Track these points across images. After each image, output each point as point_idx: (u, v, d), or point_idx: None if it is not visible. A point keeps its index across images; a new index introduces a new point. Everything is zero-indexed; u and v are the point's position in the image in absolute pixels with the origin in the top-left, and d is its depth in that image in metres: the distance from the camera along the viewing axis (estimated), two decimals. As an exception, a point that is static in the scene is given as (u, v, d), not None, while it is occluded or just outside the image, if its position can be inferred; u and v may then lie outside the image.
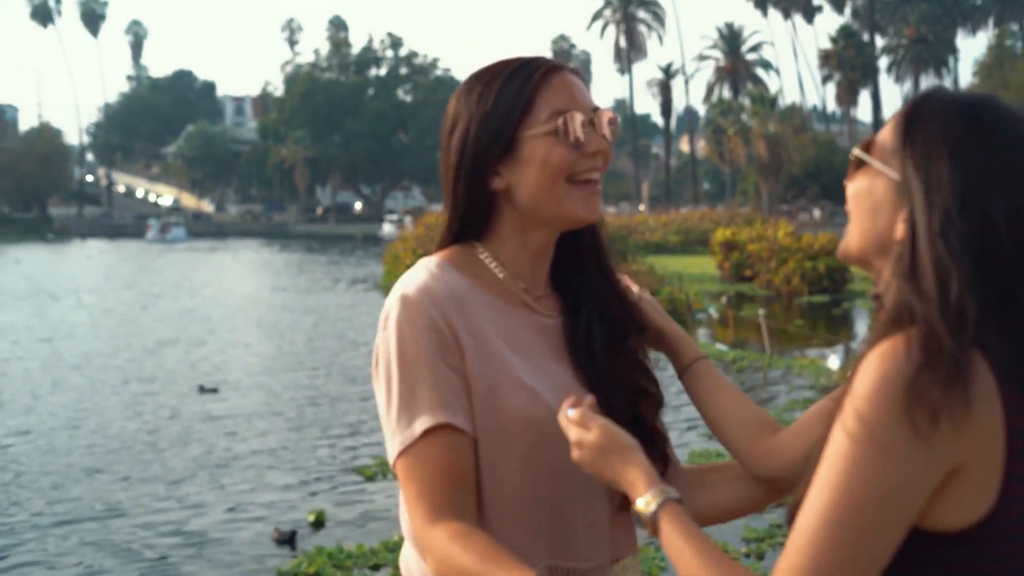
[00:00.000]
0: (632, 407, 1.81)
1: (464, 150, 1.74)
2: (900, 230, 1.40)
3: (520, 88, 1.73)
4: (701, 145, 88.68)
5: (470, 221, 1.78)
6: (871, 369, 1.31)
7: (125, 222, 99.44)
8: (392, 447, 1.65)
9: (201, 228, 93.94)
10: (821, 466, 1.33)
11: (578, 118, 1.72)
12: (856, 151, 1.51)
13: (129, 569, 7.54)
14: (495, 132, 1.72)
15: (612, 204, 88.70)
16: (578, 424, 1.59)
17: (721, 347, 17.46)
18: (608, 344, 1.81)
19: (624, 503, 1.76)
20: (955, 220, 1.34)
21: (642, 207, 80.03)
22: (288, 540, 7.91)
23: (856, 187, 1.51)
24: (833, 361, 14.88)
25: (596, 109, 1.76)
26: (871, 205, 1.47)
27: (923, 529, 1.34)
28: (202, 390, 14.40)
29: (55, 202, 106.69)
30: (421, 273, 1.72)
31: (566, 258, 1.85)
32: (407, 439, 1.62)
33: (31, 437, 11.79)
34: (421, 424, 1.61)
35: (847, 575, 1.29)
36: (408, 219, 64.82)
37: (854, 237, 1.50)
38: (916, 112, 1.45)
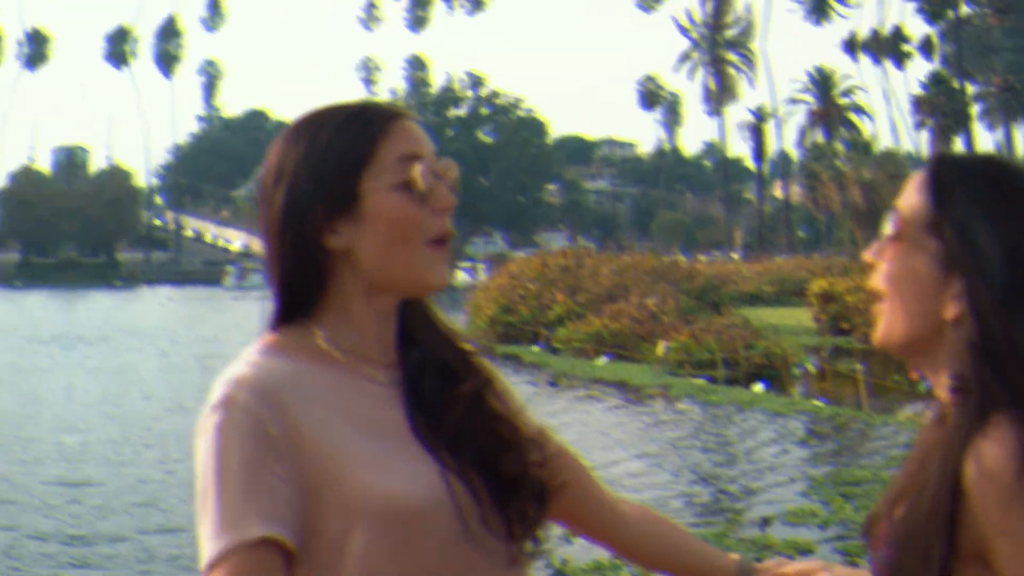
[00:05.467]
0: (487, 458, 1.56)
1: (291, 204, 1.50)
2: (951, 309, 1.34)
3: (359, 133, 1.51)
4: (794, 191, 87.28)
5: (302, 289, 1.52)
6: (1005, 456, 1.24)
7: (194, 268, 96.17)
8: (204, 557, 1.42)
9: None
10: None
11: (426, 168, 1.52)
12: (889, 227, 1.41)
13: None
14: (332, 181, 1.49)
15: (704, 251, 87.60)
16: None
17: (818, 403, 16.91)
18: (442, 395, 1.57)
19: None
20: (1012, 287, 1.29)
21: (735, 254, 78.89)
22: None
23: (894, 267, 1.40)
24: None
25: (441, 160, 1.56)
26: (916, 286, 1.37)
27: None
28: None
29: (122, 246, 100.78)
30: (244, 368, 1.48)
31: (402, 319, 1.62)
32: (221, 550, 1.40)
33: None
34: (237, 536, 1.40)
35: None
36: (482, 267, 64.18)
37: (900, 323, 1.39)
38: (940, 178, 1.38)
